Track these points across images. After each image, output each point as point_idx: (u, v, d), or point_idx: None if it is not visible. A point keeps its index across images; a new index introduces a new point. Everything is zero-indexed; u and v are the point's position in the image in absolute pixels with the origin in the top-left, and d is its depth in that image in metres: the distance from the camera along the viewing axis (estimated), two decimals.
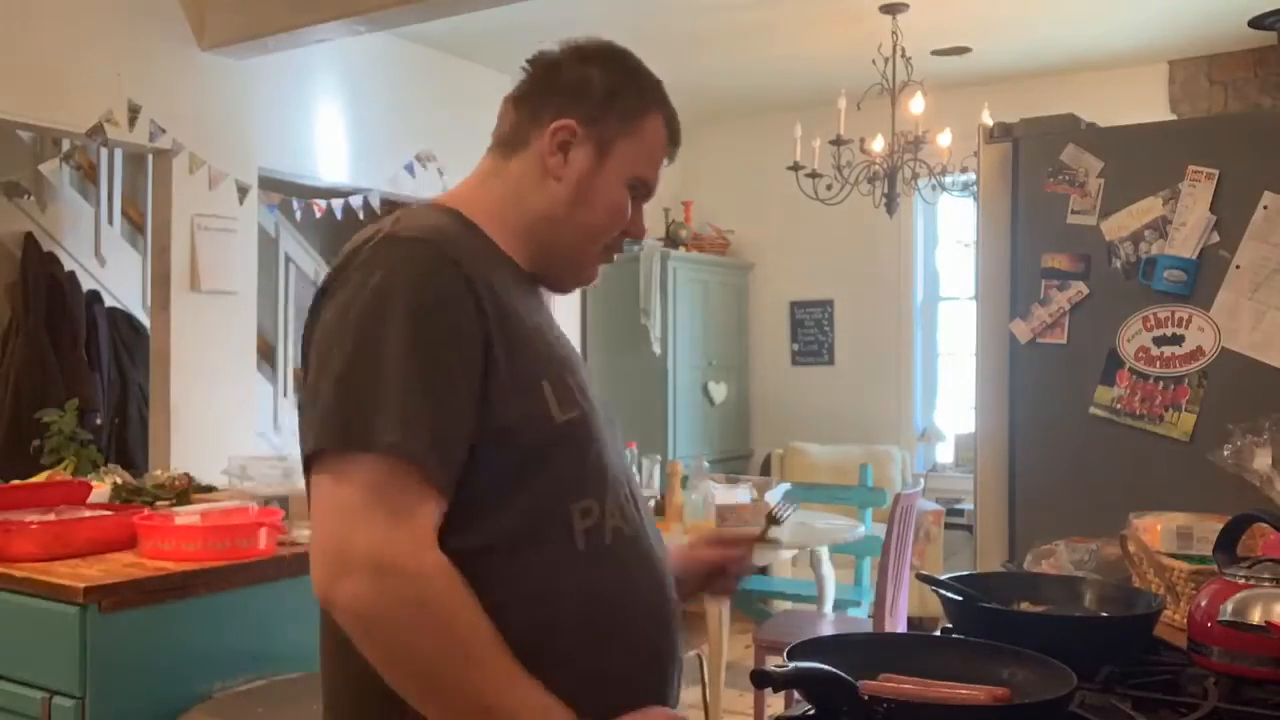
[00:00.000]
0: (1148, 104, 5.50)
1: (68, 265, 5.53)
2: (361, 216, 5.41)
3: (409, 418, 1.08)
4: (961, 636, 1.38)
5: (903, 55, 4.85)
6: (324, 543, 1.08)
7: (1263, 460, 1.89)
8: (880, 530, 4.14)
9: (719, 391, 6.61)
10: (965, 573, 1.63)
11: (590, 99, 1.30)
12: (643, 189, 1.33)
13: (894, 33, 4.85)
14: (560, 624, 1.15)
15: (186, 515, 2.61)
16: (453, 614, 1.07)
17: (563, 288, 1.36)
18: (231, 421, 4.69)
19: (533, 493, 1.16)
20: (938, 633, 1.47)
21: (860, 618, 4.57)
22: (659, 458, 4.76)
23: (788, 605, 5.08)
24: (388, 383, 1.08)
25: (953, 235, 6.52)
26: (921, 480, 5.95)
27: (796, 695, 1.14)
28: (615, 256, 1.38)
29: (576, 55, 1.35)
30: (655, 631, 1.23)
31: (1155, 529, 1.73)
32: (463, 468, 1.12)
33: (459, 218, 1.27)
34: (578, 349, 1.50)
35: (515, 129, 1.33)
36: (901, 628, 4.03)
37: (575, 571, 1.17)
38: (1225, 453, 1.96)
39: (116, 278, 5.81)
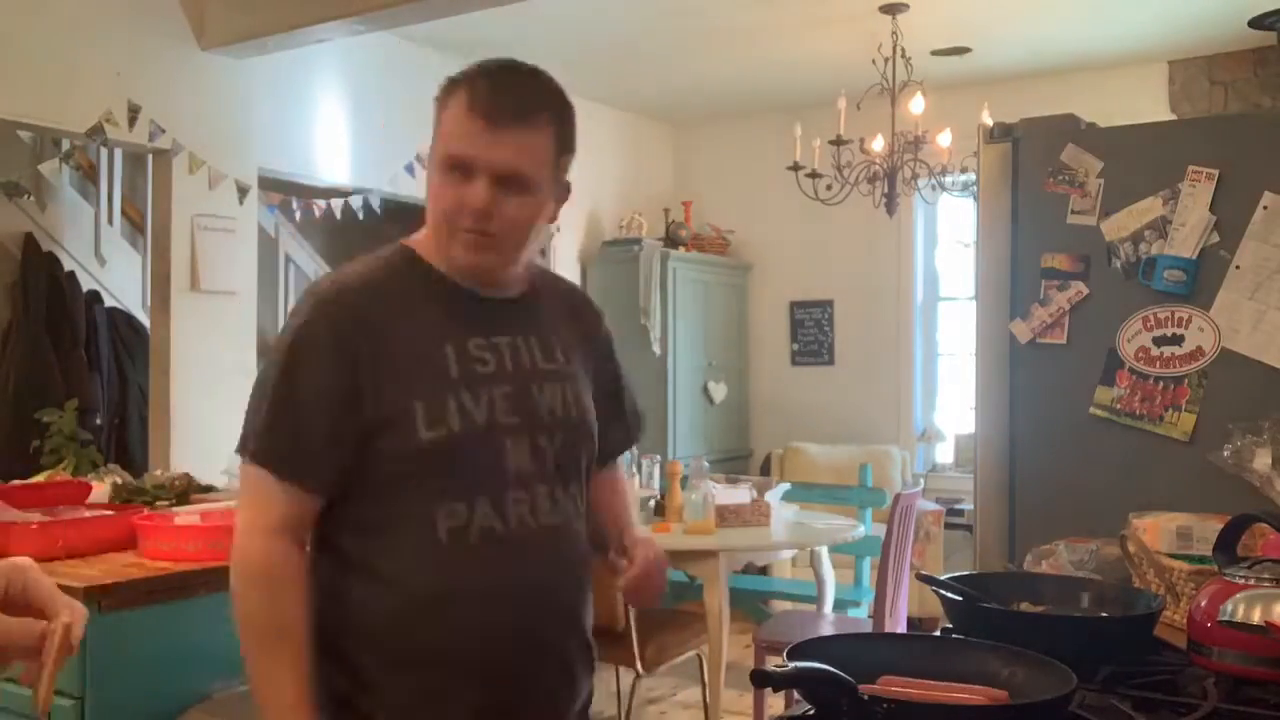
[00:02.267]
0: (1148, 104, 5.50)
1: (68, 265, 5.53)
2: (361, 217, 5.41)
3: (269, 434, 1.41)
4: (961, 636, 1.38)
5: (903, 55, 4.85)
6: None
7: (1263, 460, 1.89)
8: (880, 530, 4.14)
9: (719, 391, 6.61)
10: (965, 573, 1.63)
11: (434, 120, 1.47)
12: (455, 164, 1.42)
13: (894, 33, 4.85)
14: (412, 605, 1.40)
15: (186, 515, 2.61)
16: (250, 592, 1.44)
17: (462, 283, 1.49)
18: (231, 421, 4.62)
19: (401, 492, 1.41)
20: (938, 633, 1.47)
21: (860, 618, 4.57)
22: (659, 458, 4.76)
23: (788, 605, 5.08)
24: (261, 408, 1.42)
25: (953, 235, 6.52)
26: (921, 480, 5.95)
27: (796, 695, 1.14)
28: (472, 237, 1.43)
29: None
30: (510, 619, 1.43)
31: (1155, 529, 1.73)
32: (341, 466, 1.40)
33: (400, 252, 1.52)
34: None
35: None
36: (901, 628, 4.03)
37: (431, 564, 1.40)
38: (1225, 453, 1.96)
39: (116, 278, 5.81)
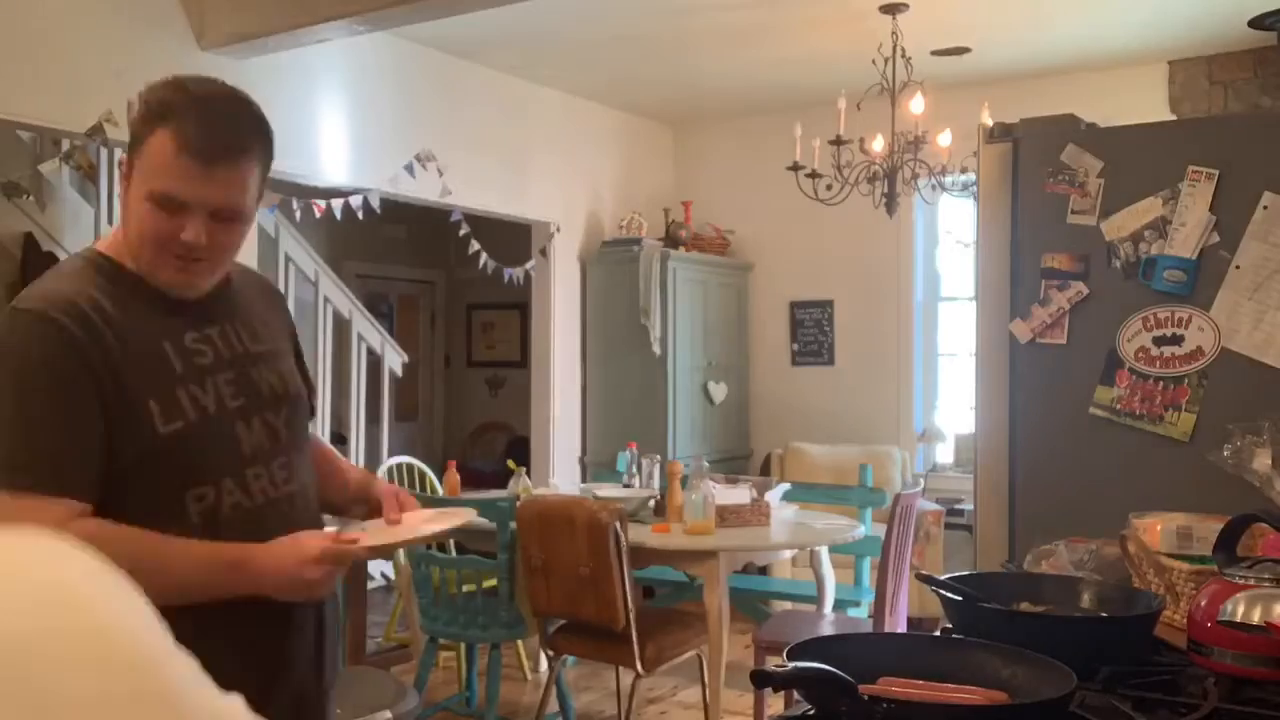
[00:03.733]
0: (1148, 104, 5.50)
1: None
2: (361, 216, 5.41)
3: (27, 457, 1.42)
4: (961, 636, 1.38)
5: (903, 55, 4.85)
6: None
7: (1263, 460, 1.89)
8: (880, 530, 4.14)
9: (719, 391, 6.61)
10: (965, 573, 1.63)
11: (130, 133, 1.50)
12: (166, 200, 1.46)
13: (894, 33, 4.85)
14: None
15: None
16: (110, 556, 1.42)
17: (168, 292, 1.55)
18: None
19: (150, 483, 1.48)
20: (938, 633, 1.47)
21: (860, 618, 4.57)
22: (659, 458, 4.76)
23: (788, 605, 5.08)
24: (19, 436, 1.43)
25: (953, 235, 6.52)
26: (921, 480, 5.95)
27: (796, 695, 1.14)
28: (183, 263, 1.51)
29: (142, 93, 1.51)
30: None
31: (1155, 529, 1.73)
32: (99, 467, 1.44)
33: (96, 261, 1.55)
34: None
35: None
36: (901, 628, 4.03)
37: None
38: (1225, 453, 1.96)
39: None
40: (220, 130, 1.48)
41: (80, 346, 1.44)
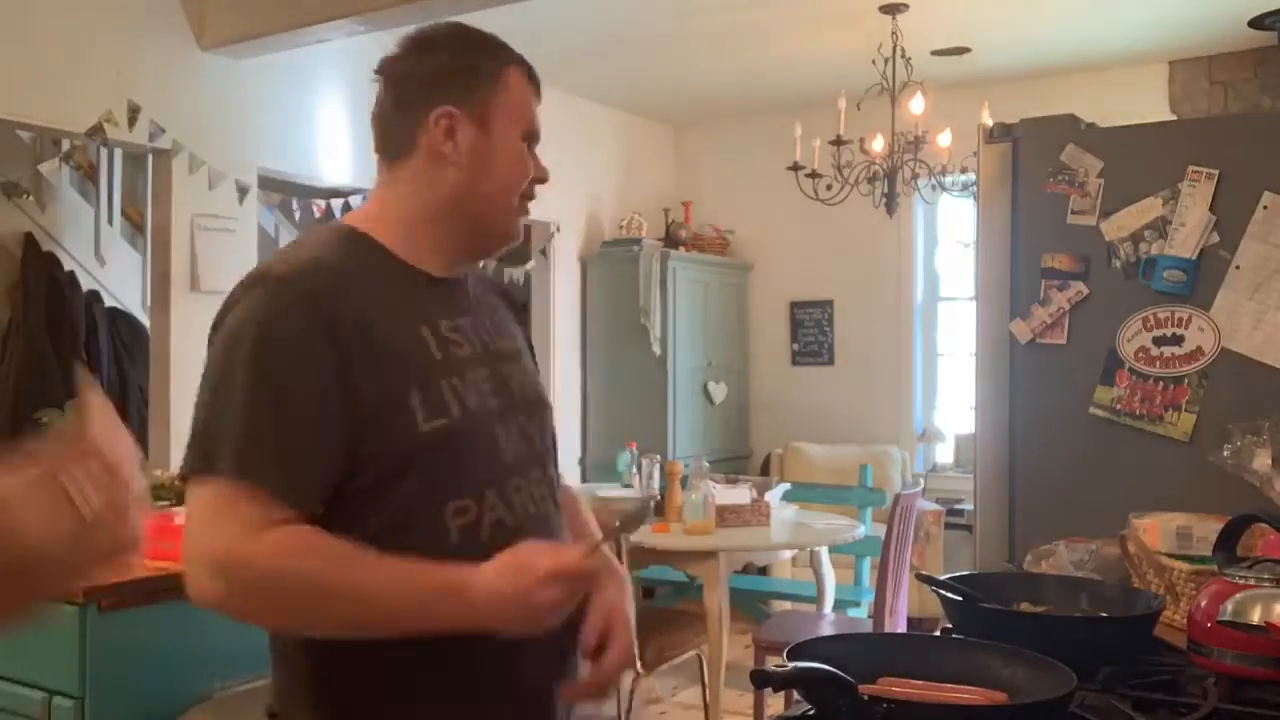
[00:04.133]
0: (1148, 104, 5.50)
1: (68, 265, 5.54)
2: None
3: (247, 445, 1.20)
4: (961, 636, 1.38)
5: (902, 55, 4.85)
6: (186, 553, 1.22)
7: (1263, 460, 1.89)
8: (880, 530, 4.14)
9: (719, 391, 6.60)
10: (965, 573, 1.63)
11: (454, 82, 1.38)
12: (533, 136, 1.43)
13: (894, 33, 4.85)
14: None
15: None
16: (287, 576, 1.19)
17: (491, 251, 1.48)
18: None
19: (404, 495, 1.26)
20: (938, 633, 1.47)
21: (860, 618, 4.57)
22: (659, 458, 4.76)
23: (788, 605, 5.09)
24: (234, 415, 1.21)
25: (953, 235, 6.52)
26: (921, 480, 5.95)
27: (796, 695, 1.14)
28: (529, 205, 1.45)
29: (422, 48, 1.41)
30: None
31: (1155, 529, 1.73)
32: (335, 474, 1.24)
33: (349, 237, 1.37)
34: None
35: (394, 136, 1.40)
36: (901, 628, 4.03)
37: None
38: (1225, 453, 1.96)
39: (116, 278, 5.81)
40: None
41: (330, 320, 1.24)
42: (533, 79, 1.44)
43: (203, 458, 1.22)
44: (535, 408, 1.43)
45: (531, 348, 1.56)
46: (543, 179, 1.43)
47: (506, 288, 1.50)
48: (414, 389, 1.27)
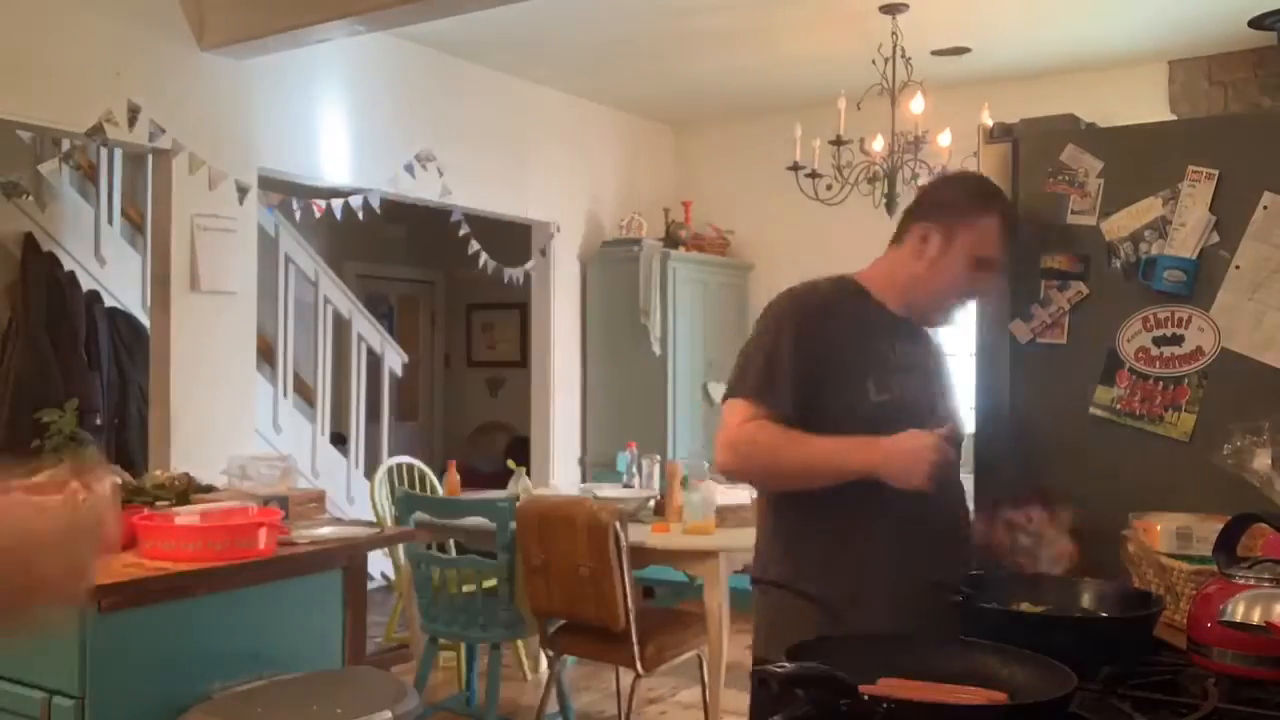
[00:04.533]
0: (1148, 104, 5.50)
1: (68, 265, 5.54)
2: (361, 217, 5.41)
3: (754, 379, 1.99)
4: (962, 637, 1.38)
5: (903, 55, 4.85)
6: (717, 441, 2.00)
7: (1262, 460, 1.89)
8: None
9: (719, 391, 6.58)
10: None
11: (943, 208, 2.07)
12: (985, 263, 2.04)
13: (894, 33, 4.85)
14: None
15: (186, 515, 2.61)
16: (758, 440, 1.95)
17: (930, 324, 2.17)
18: (231, 421, 4.69)
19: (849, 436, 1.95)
20: None
21: None
22: (659, 458, 4.75)
23: None
24: (753, 364, 2.01)
25: None
26: None
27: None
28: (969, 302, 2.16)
29: (942, 181, 2.25)
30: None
31: (1155, 529, 1.73)
32: (793, 397, 1.95)
33: (845, 281, 2.16)
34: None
35: (900, 229, 2.14)
36: None
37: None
38: (1225, 452, 1.96)
39: (116, 278, 5.81)
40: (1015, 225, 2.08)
41: (808, 326, 2.01)
42: (1008, 227, 2.07)
43: (729, 385, 2.03)
44: (946, 416, 2.02)
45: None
46: (981, 293, 2.17)
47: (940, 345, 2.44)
48: (870, 376, 1.98)
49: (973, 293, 2.10)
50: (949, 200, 2.07)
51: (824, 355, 1.97)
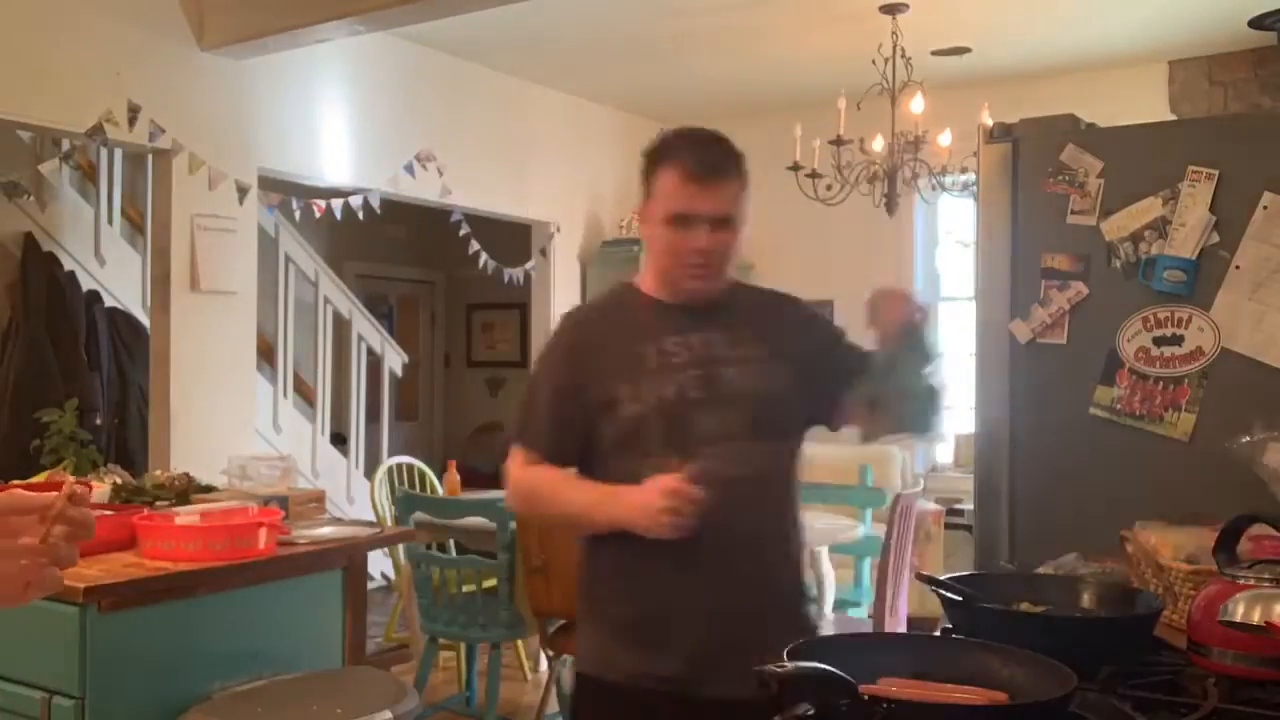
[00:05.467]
0: (1148, 104, 5.50)
1: (68, 265, 5.54)
2: (361, 216, 5.41)
3: (519, 420, 1.97)
4: (961, 636, 1.38)
5: (902, 55, 4.85)
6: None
7: (1274, 457, 1.88)
8: (880, 530, 4.14)
9: None
10: (965, 573, 1.63)
11: (642, 173, 1.96)
12: (681, 220, 1.84)
13: (894, 33, 4.85)
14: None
15: (186, 515, 2.61)
16: (532, 495, 1.95)
17: (693, 297, 1.90)
18: (231, 421, 4.69)
19: (621, 456, 1.84)
20: (938, 633, 1.47)
21: (860, 618, 4.56)
22: None
23: None
24: (522, 403, 1.98)
25: (953, 235, 6.52)
26: (921, 480, 5.95)
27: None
28: (697, 270, 1.87)
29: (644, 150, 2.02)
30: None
31: (1164, 544, 1.72)
32: (566, 434, 1.89)
33: (617, 288, 2.03)
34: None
35: None
36: (901, 628, 4.02)
37: None
38: (1243, 440, 1.94)
39: (116, 278, 5.81)
40: (709, 155, 1.87)
41: (576, 349, 1.92)
42: (687, 172, 1.85)
43: (514, 432, 1.97)
44: (744, 399, 1.85)
45: (819, 330, 2.05)
46: (693, 251, 1.85)
47: (787, 302, 2.18)
48: (622, 384, 1.83)
49: (692, 253, 1.84)
50: (643, 164, 1.96)
51: (586, 377, 1.87)
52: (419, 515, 4.08)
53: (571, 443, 1.88)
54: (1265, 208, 2.13)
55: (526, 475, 1.92)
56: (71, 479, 1.20)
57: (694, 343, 1.87)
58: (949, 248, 6.56)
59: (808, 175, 4.85)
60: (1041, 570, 1.84)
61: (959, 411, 6.28)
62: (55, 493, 1.11)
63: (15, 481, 2.92)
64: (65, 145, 4.96)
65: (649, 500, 1.69)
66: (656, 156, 1.92)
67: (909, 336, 1.83)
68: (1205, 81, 5.56)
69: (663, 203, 1.86)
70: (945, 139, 4.77)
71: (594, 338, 1.92)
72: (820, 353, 1.97)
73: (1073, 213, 2.31)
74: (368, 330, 6.75)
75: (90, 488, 2.85)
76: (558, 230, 6.38)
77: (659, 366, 1.84)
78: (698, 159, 1.85)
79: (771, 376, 1.89)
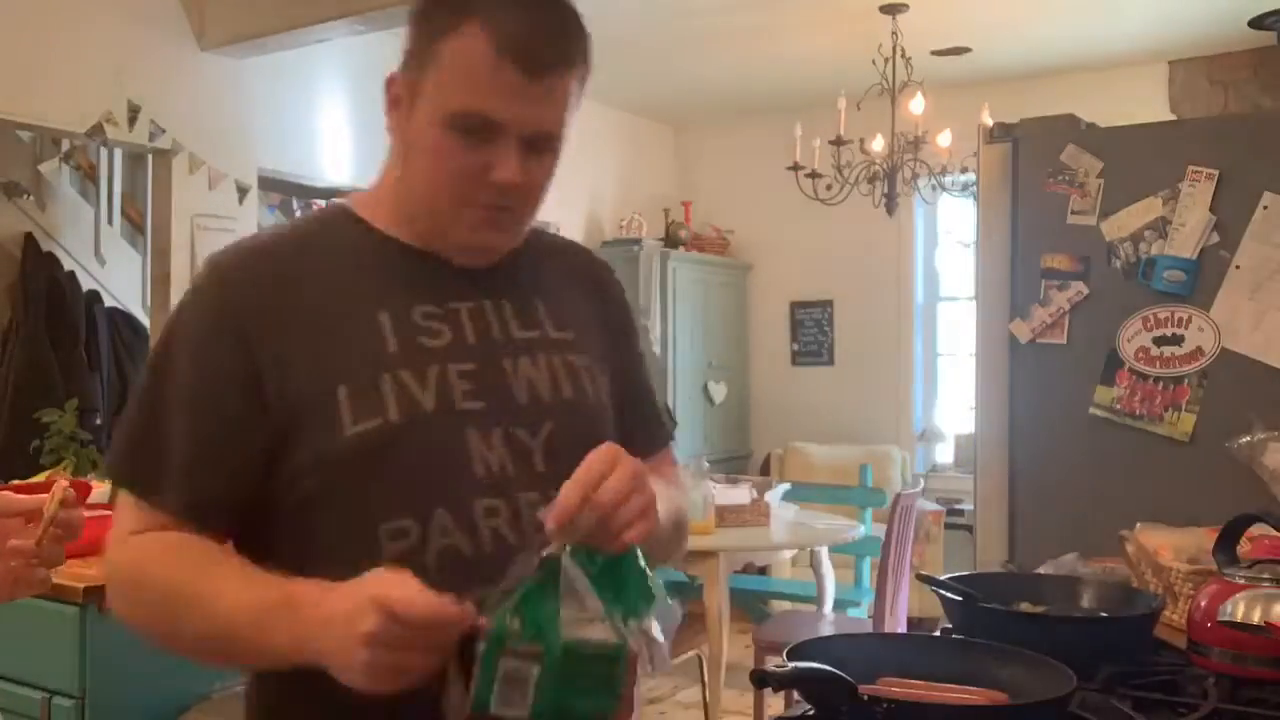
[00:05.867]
0: (1148, 104, 5.50)
1: (68, 265, 5.53)
2: None
3: (128, 454, 1.13)
4: (961, 636, 1.38)
5: (903, 55, 4.85)
6: None
7: (1274, 457, 1.88)
8: (880, 530, 4.14)
9: (719, 391, 6.60)
10: (965, 573, 1.63)
11: (407, 40, 1.12)
12: (476, 124, 1.06)
13: (894, 33, 4.85)
14: None
15: None
16: (140, 579, 1.09)
17: (450, 258, 1.15)
18: None
19: (328, 516, 1.07)
20: (938, 633, 1.47)
21: (860, 618, 4.57)
22: None
23: (787, 605, 5.08)
24: (126, 425, 1.14)
25: (953, 235, 6.52)
26: (921, 480, 5.95)
27: (796, 695, 1.14)
28: (490, 213, 1.12)
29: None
30: None
31: (1167, 547, 1.71)
32: (242, 485, 1.08)
33: (332, 213, 1.22)
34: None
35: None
36: (901, 628, 4.03)
37: None
38: (1243, 440, 1.95)
39: (116, 278, 5.81)
40: (545, 26, 1.07)
41: (242, 313, 1.08)
42: (503, 41, 1.05)
43: (107, 462, 1.15)
44: (547, 413, 1.14)
45: (626, 340, 1.33)
46: (503, 181, 1.08)
47: (597, 267, 1.33)
48: (342, 384, 1.07)
49: (491, 188, 1.09)
50: (413, 19, 1.12)
51: (263, 367, 1.07)
52: None
53: (227, 490, 1.08)
54: (1265, 208, 2.13)
55: (137, 552, 1.08)
56: (63, 482, 1.16)
57: (461, 316, 1.14)
58: (949, 248, 6.56)
59: (808, 175, 4.85)
60: (1041, 570, 1.84)
61: (959, 411, 6.31)
62: (44, 495, 1.11)
63: (15, 482, 2.92)
64: (65, 145, 4.97)
65: (358, 621, 0.90)
66: (453, 5, 1.08)
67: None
68: (1205, 81, 5.56)
69: (451, 88, 1.06)
70: (945, 139, 4.77)
71: (278, 295, 1.10)
72: (619, 372, 1.27)
73: (1073, 213, 2.32)
74: None
75: (90, 487, 2.85)
76: (557, 230, 6.37)
77: (404, 352, 1.09)
78: (528, 29, 1.06)
79: (582, 376, 1.20)
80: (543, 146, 1.11)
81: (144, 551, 1.08)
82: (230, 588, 1.01)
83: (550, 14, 1.09)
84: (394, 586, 0.92)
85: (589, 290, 1.30)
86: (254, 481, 1.08)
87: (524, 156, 1.09)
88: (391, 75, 1.13)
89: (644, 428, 1.30)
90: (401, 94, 1.11)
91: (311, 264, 1.14)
